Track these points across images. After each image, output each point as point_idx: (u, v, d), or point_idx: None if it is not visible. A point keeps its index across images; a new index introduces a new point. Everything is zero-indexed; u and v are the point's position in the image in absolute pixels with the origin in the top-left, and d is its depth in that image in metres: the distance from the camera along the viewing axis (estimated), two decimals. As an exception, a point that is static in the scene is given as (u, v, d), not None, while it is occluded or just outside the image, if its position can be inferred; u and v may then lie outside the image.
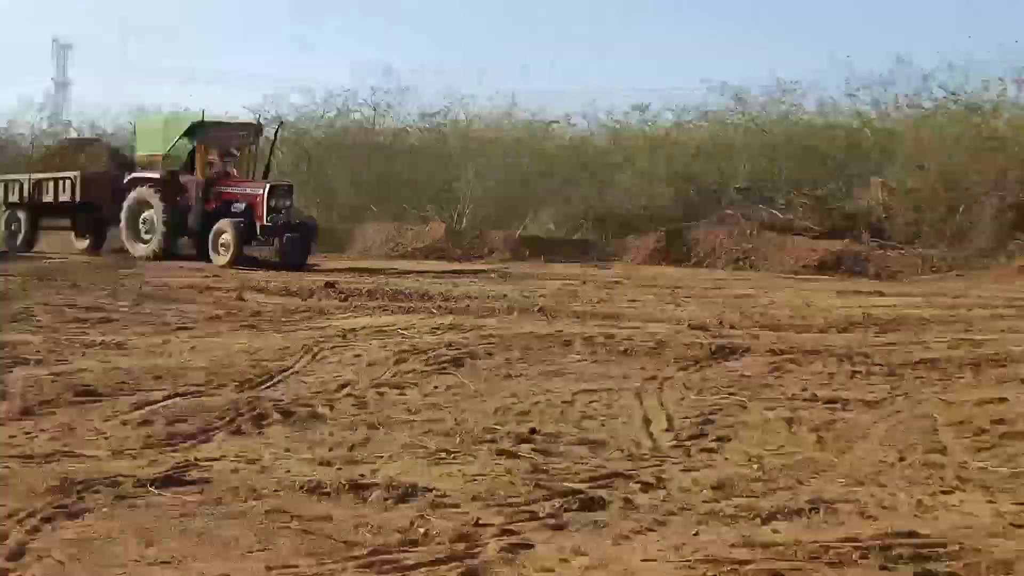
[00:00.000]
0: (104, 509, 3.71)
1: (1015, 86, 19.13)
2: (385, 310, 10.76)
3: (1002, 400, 6.10)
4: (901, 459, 4.72)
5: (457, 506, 3.85)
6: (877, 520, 3.68)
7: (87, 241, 18.97)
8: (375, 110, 24.51)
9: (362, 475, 4.22)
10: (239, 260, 15.75)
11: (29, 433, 4.91)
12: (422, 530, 3.54)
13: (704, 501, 3.89)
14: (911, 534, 3.49)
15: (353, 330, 8.99)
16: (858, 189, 19.81)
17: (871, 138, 20.44)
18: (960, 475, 4.42)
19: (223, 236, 15.91)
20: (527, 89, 41.94)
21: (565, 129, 24.11)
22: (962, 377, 7.09)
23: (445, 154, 23.23)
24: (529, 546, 3.41)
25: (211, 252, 16.04)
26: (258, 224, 15.90)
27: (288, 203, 16.39)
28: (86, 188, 18.07)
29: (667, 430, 5.23)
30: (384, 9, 73.25)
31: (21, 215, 18.94)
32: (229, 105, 31.16)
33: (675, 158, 21.61)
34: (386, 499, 3.90)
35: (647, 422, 5.42)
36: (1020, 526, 3.66)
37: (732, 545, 3.36)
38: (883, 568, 3.19)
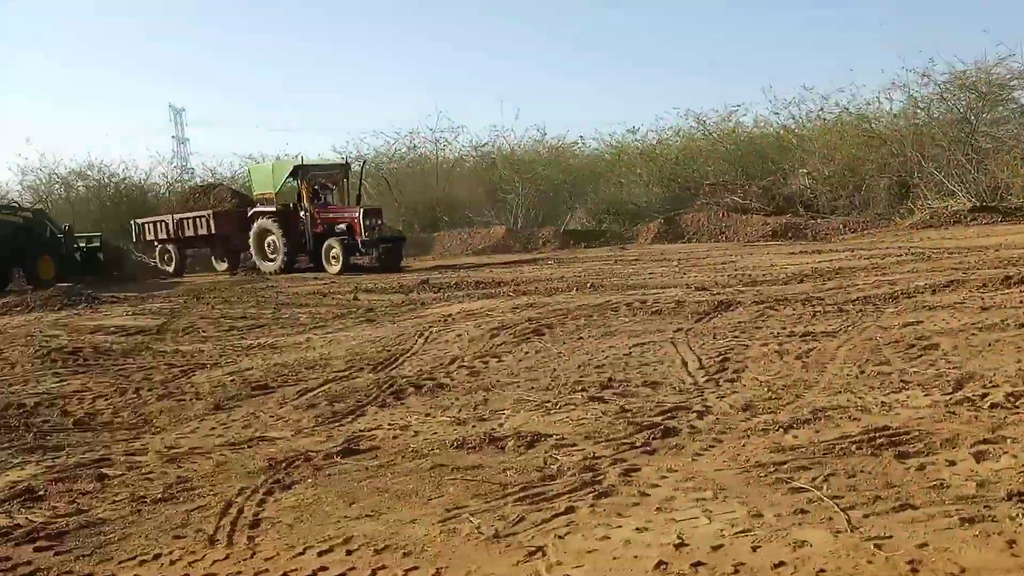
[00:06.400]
0: (308, 480, 4.20)
1: (887, 100, 24.43)
2: (471, 297, 11.81)
3: (918, 323, 7.43)
4: (861, 372, 5.79)
5: (575, 445, 4.47)
6: (859, 420, 4.60)
7: (225, 264, 21.88)
8: (436, 145, 29.72)
9: (493, 429, 4.82)
10: (347, 269, 18.31)
11: (225, 424, 5.48)
12: (555, 467, 4.09)
13: (740, 420, 4.76)
14: (884, 428, 4.40)
15: (450, 315, 9.89)
16: (791, 177, 25.30)
17: (794, 142, 26.16)
18: (903, 379, 5.48)
19: (333, 251, 18.78)
20: (552, 120, 56.77)
21: (582, 148, 30.07)
22: (888, 308, 8.40)
23: (496, 175, 28.39)
24: (637, 469, 4.05)
25: (325, 264, 18.76)
26: (359, 239, 18.65)
27: (380, 221, 19.13)
28: (219, 222, 20.91)
29: (699, 368, 6.25)
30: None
31: (171, 248, 21.79)
32: (319, 150, 33.56)
33: (662, 166, 27.67)
34: (518, 446, 4.45)
35: (684, 363, 6.44)
36: (952, 412, 4.64)
37: (769, 451, 4.18)
38: (872, 455, 4.03)
